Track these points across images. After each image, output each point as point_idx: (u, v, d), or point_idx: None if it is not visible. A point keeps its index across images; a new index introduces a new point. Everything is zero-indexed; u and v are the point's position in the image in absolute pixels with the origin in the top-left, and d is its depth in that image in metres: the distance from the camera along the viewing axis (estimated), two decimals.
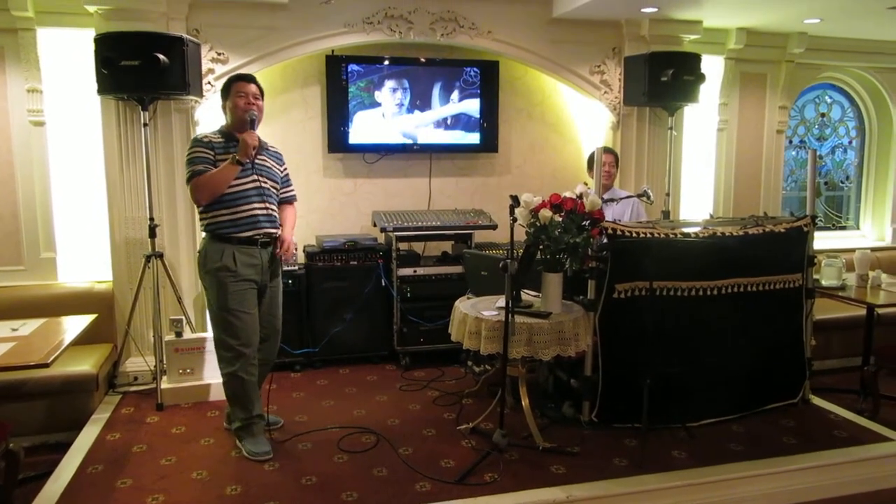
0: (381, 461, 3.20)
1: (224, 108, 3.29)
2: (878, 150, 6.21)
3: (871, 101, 6.15)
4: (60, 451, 3.31)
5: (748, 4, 4.45)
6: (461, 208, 4.92)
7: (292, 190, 3.52)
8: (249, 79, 3.30)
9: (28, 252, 4.23)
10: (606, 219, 3.50)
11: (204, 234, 3.28)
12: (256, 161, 3.23)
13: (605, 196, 4.31)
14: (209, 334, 3.95)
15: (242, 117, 3.20)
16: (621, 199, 4.38)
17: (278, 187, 3.39)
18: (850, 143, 6.27)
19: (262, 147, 3.27)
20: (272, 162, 3.37)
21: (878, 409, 3.92)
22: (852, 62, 5.80)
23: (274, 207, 3.32)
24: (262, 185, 3.25)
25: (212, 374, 3.93)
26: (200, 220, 3.27)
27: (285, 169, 3.48)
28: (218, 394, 3.87)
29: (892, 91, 5.98)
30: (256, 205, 3.23)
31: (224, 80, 3.47)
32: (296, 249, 3.45)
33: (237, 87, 3.24)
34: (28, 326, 3.24)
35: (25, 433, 3.53)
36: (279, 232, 3.33)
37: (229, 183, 3.14)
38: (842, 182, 6.33)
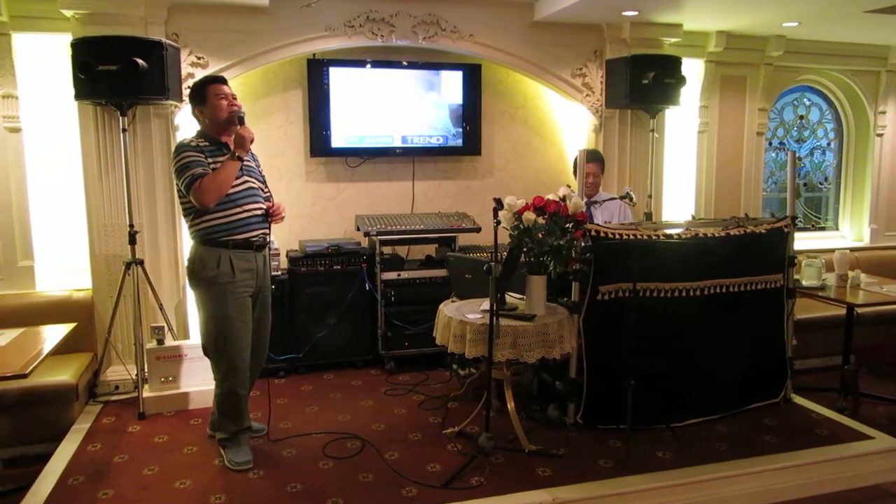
0: (366, 466, 3.18)
1: (199, 113, 3.20)
2: (855, 151, 6.28)
3: (849, 104, 6.22)
4: (40, 463, 3.25)
5: (727, 8, 4.50)
6: (445, 211, 4.91)
7: (268, 191, 3.49)
8: (222, 80, 3.25)
9: (5, 260, 4.14)
10: (597, 222, 3.50)
11: (193, 241, 3.20)
12: (244, 163, 3.20)
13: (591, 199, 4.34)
14: (190, 342, 3.91)
15: (230, 117, 3.16)
16: (604, 201, 4.40)
17: (264, 188, 3.36)
18: (829, 144, 6.34)
19: None
20: (254, 163, 3.35)
21: (857, 408, 3.98)
22: (830, 65, 5.87)
23: (263, 208, 3.27)
24: (252, 185, 3.23)
25: (194, 382, 3.90)
26: (192, 226, 3.16)
27: (262, 169, 3.46)
28: (200, 402, 3.84)
29: (869, 93, 6.05)
30: (250, 206, 3.19)
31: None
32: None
33: (214, 90, 3.17)
34: (5, 336, 3.17)
35: (4, 445, 3.47)
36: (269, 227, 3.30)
37: (233, 181, 3.09)
38: (821, 183, 6.40)
